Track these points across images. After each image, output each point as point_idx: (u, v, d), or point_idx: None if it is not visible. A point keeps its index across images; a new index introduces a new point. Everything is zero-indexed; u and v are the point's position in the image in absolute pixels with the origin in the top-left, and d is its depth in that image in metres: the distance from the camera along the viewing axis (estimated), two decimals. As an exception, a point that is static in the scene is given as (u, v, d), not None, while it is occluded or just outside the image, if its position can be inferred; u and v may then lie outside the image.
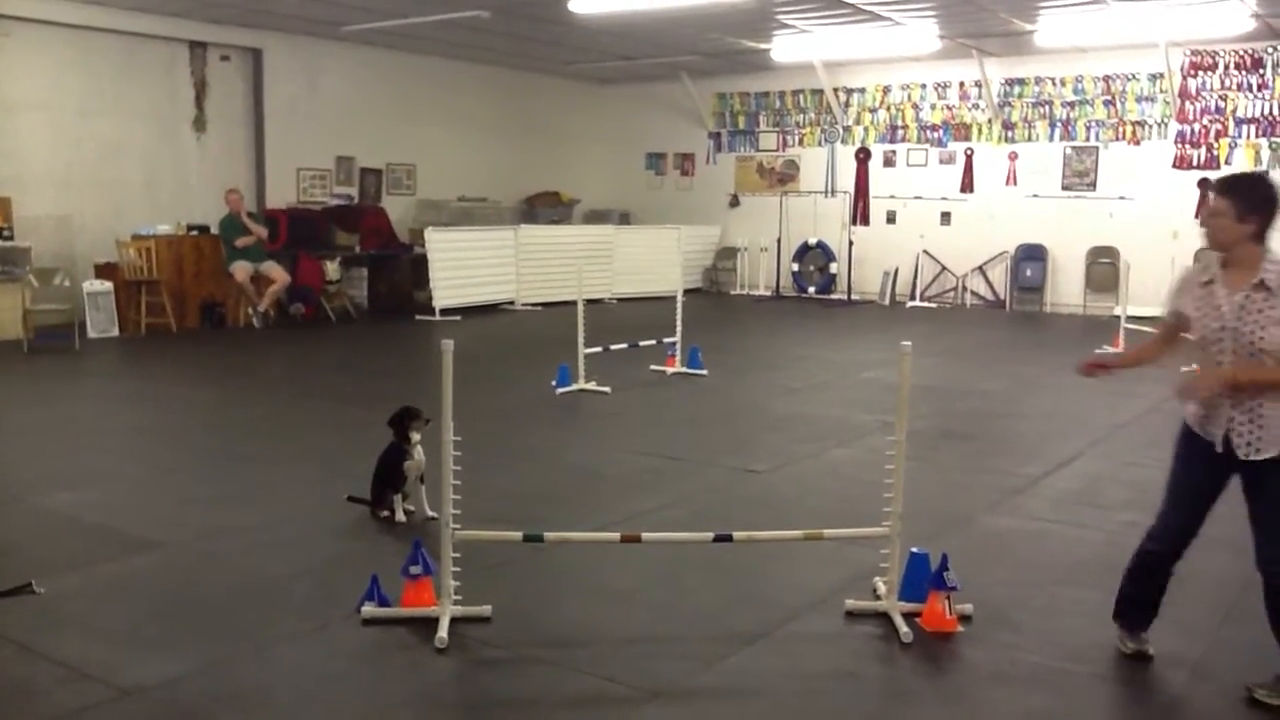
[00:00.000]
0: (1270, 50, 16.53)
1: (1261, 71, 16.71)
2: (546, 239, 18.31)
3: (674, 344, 11.43)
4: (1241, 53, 16.73)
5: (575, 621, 5.00)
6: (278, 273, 15.24)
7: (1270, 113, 16.69)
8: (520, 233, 17.94)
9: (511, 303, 17.50)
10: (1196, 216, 16.99)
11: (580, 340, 10.38)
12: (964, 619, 4.94)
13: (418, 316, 16.32)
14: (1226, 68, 16.95)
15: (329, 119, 17.53)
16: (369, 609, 4.88)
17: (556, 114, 21.45)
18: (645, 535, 5.07)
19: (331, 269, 16.09)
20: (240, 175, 16.62)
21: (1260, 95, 16.75)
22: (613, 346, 11.04)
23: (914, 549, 5.09)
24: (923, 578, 5.00)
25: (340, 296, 16.27)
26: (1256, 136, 16.80)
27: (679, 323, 11.38)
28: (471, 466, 4.90)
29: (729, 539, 5.06)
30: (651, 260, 18.33)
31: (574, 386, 10.33)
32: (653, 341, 11.47)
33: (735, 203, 21.35)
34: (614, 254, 18.58)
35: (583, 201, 21.48)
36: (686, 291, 12.84)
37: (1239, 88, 16.92)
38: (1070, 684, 4.41)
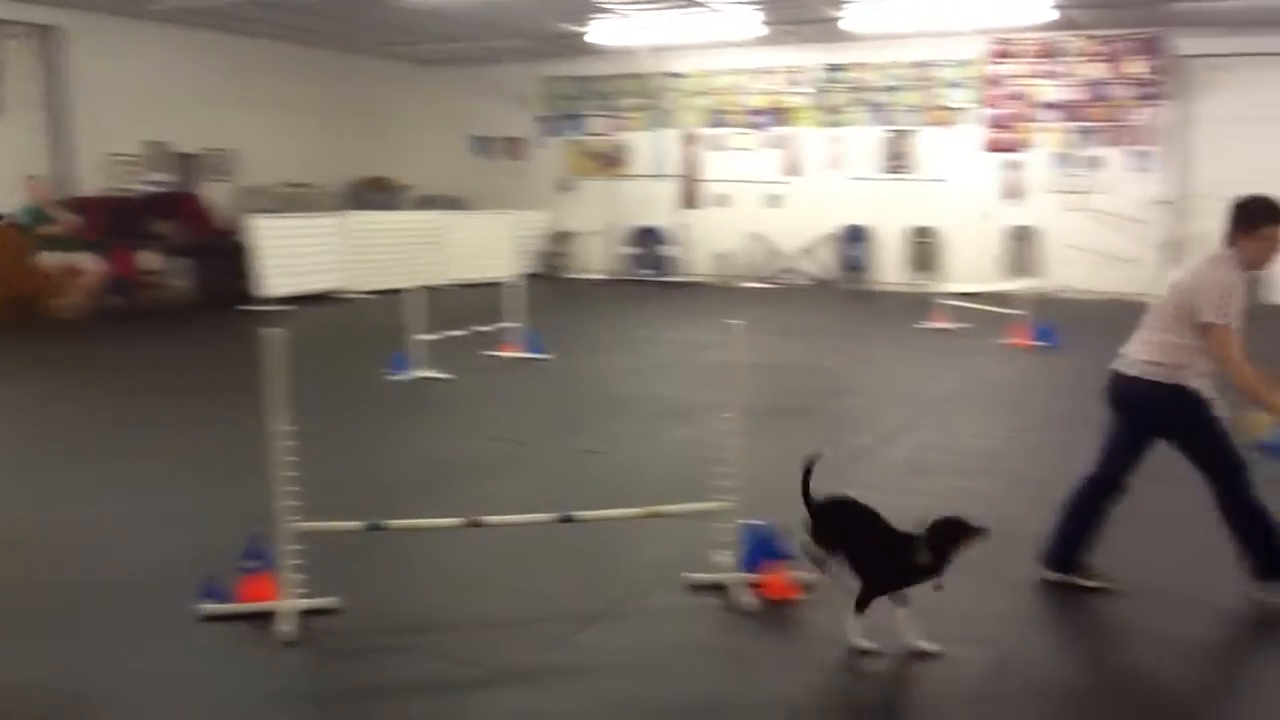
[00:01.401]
0: (1067, 40, 17.48)
1: (1059, 60, 17.65)
2: (376, 225, 17.94)
3: (512, 329, 11.38)
4: (1042, 42, 17.64)
5: (426, 608, 4.95)
6: (91, 264, 14.47)
7: (1068, 98, 17.65)
8: (349, 219, 17.51)
9: (342, 291, 17.09)
10: (1007, 197, 17.89)
11: (416, 326, 10.23)
12: (804, 586, 5.09)
13: (245, 306, 15.76)
14: (1028, 56, 17.83)
15: (141, 102, 16.70)
16: (208, 606, 4.72)
17: (382, 97, 21.01)
18: (488, 519, 5.07)
19: (149, 259, 15.38)
20: (42, 162, 15.70)
21: (1059, 82, 17.69)
22: (451, 333, 10.92)
23: (752, 521, 5.21)
24: (763, 549, 5.13)
25: (160, 287, 15.56)
26: (1057, 121, 17.75)
27: (515, 308, 11.34)
28: (309, 458, 4.78)
29: (571, 520, 5.09)
30: (485, 245, 18.14)
31: (412, 374, 10.18)
32: (491, 327, 11.40)
33: (566, 187, 21.35)
34: (447, 240, 18.32)
35: (413, 187, 21.11)
36: (524, 276, 12.79)
37: (1040, 75, 17.83)
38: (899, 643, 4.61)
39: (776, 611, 4.90)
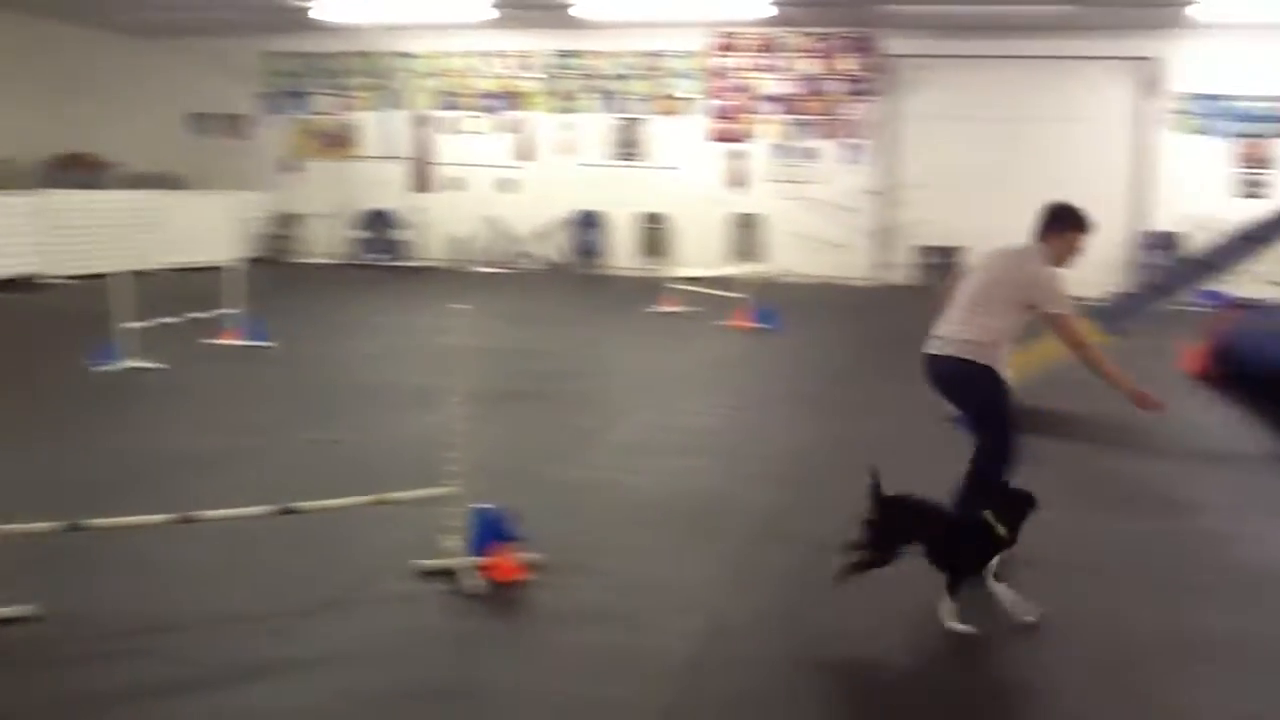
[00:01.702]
0: (785, 35, 18.35)
1: (778, 54, 18.51)
2: (79, 205, 16.65)
3: (232, 316, 10.87)
4: (761, 36, 18.44)
5: (139, 610, 4.68)
6: None
7: (787, 91, 18.54)
8: (45, 198, 16.18)
9: (40, 276, 15.78)
10: (732, 185, 18.62)
11: (124, 313, 9.59)
12: (532, 567, 5.16)
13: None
14: (749, 49, 18.61)
15: None
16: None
17: (92, 69, 19.46)
18: (201, 514, 4.83)
19: None
20: None
21: (778, 76, 18.56)
22: (165, 320, 10.29)
23: (481, 505, 5.22)
24: (491, 532, 5.15)
25: None
26: (777, 112, 18.62)
27: (236, 294, 10.83)
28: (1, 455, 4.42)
29: (291, 511, 4.94)
30: (204, 227, 17.25)
31: (120, 364, 9.54)
32: (209, 313, 10.84)
33: (292, 167, 20.54)
34: (162, 221, 17.25)
35: (122, 165, 19.71)
36: (245, 260, 12.23)
37: (760, 68, 18.65)
38: (627, 615, 4.76)
39: (504, 593, 4.93)
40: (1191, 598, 5.22)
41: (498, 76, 19.58)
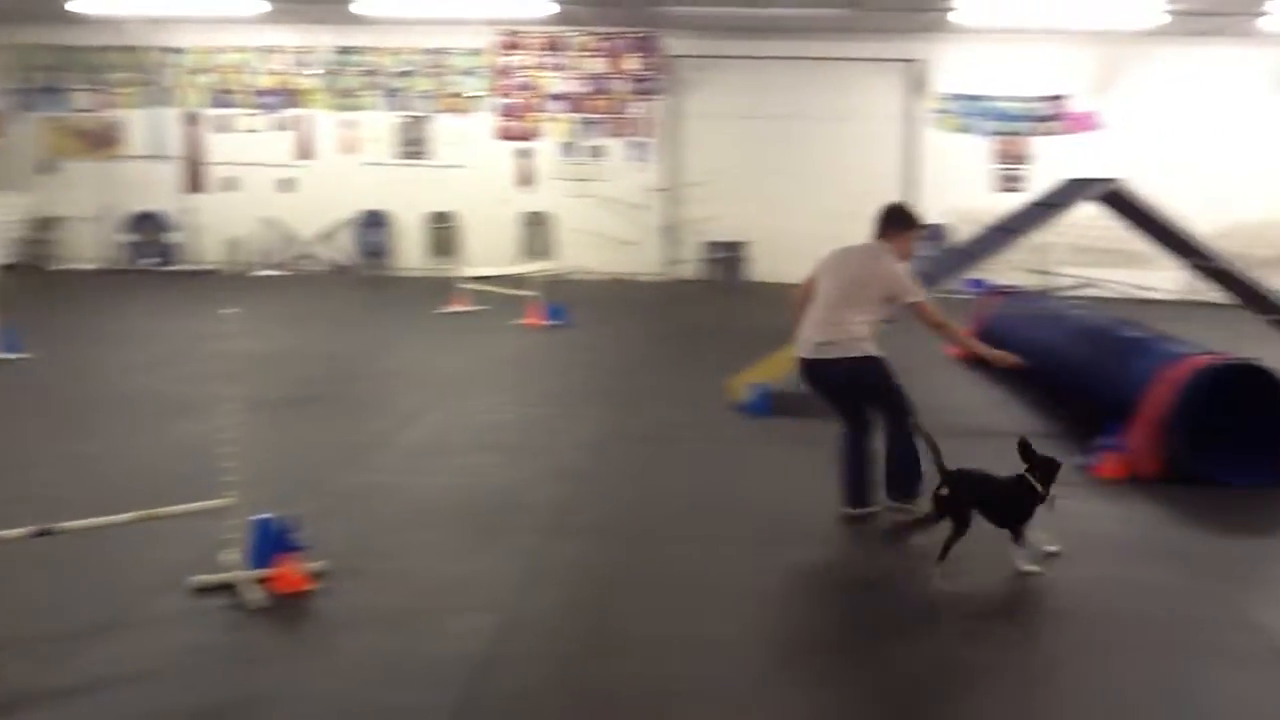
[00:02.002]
0: (570, 34, 18.41)
1: (564, 53, 18.56)
2: None
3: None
4: (547, 35, 18.44)
5: None
6: None
7: (573, 90, 18.61)
8: None
9: None
10: (520, 183, 18.57)
11: None
12: (316, 576, 4.99)
13: None
14: (535, 48, 18.58)
15: None
16: None
17: None
18: (-52, 540, 4.45)
19: None
20: None
21: (564, 75, 18.61)
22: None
23: (261, 515, 5.01)
24: (272, 543, 4.95)
25: None
26: (564, 111, 18.66)
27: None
28: None
29: (49, 532, 4.62)
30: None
31: None
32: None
33: (50, 168, 19.20)
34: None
35: None
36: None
37: (546, 67, 18.65)
38: (416, 618, 4.67)
39: (288, 605, 4.76)
40: (955, 563, 5.52)
41: (274, 73, 18.86)
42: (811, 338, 6.01)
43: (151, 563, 5.17)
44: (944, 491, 5.27)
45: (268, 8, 16.28)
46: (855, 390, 6.07)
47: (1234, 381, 7.04)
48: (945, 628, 4.76)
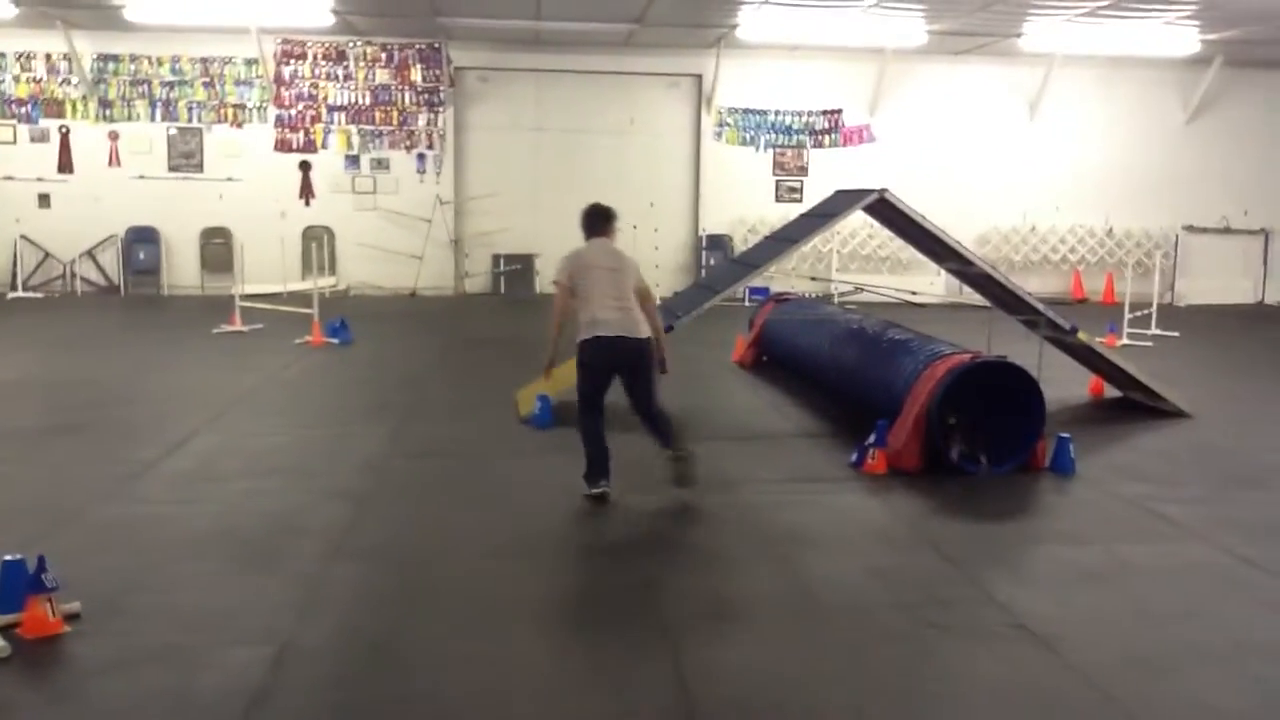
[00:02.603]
0: (352, 44, 18.02)
1: (346, 64, 18.15)
2: None
3: None
4: (328, 45, 17.99)
5: None
6: None
7: (356, 101, 18.22)
8: None
9: None
10: (301, 197, 18.06)
11: None
12: (72, 617, 4.71)
13: None
14: (316, 58, 18.10)
15: None
16: None
17: None
18: None
19: None
20: None
21: (347, 85, 18.20)
22: None
23: (7, 556, 4.69)
24: (20, 584, 4.64)
25: None
26: (347, 123, 18.24)
27: None
28: None
29: None
30: None
31: None
32: None
33: None
34: None
35: None
36: None
37: (328, 78, 18.19)
38: (185, 654, 4.45)
39: (40, 650, 4.46)
40: (725, 563, 5.70)
41: (27, 80, 17.70)
42: (610, 319, 6.62)
43: (-120, 613, 4.74)
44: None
45: (12, 10, 15.23)
46: (634, 365, 6.72)
47: (988, 378, 7.52)
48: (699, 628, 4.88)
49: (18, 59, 17.59)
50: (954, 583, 5.47)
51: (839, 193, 10.13)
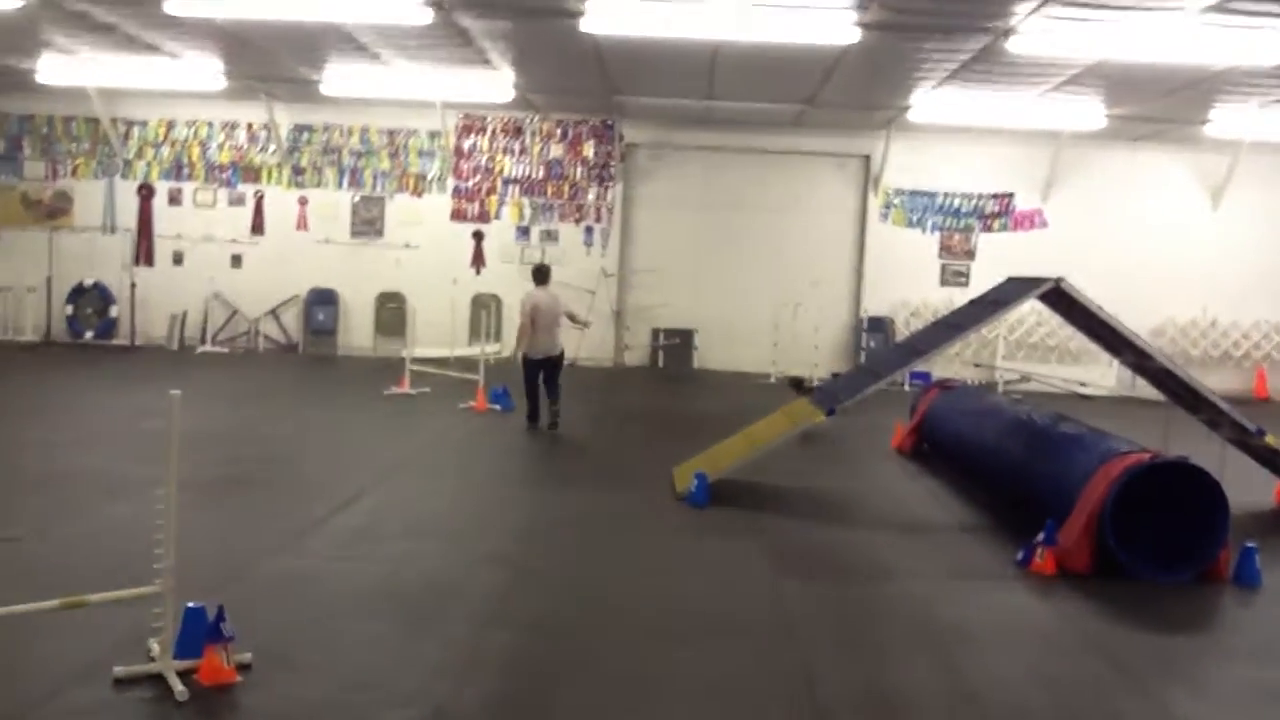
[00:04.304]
0: (529, 120, 18.67)
1: (522, 138, 18.79)
2: None
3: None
4: (506, 120, 18.68)
5: None
6: None
7: (529, 174, 18.81)
8: None
9: None
10: (473, 265, 18.66)
11: None
12: (243, 667, 4.88)
13: None
14: (494, 132, 18.80)
15: None
16: None
17: None
18: None
19: None
20: None
21: (522, 159, 18.82)
22: None
23: (189, 604, 4.92)
24: (199, 632, 4.85)
25: None
26: (520, 195, 18.83)
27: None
28: None
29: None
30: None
31: None
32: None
33: (-4, 237, 19.01)
34: None
35: None
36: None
37: (504, 151, 18.86)
38: (345, 712, 4.57)
39: (212, 698, 4.64)
40: (883, 655, 5.52)
41: (229, 147, 18.90)
42: (547, 344, 11.60)
43: (69, 653, 5.01)
44: None
45: (223, 83, 16.34)
46: (555, 370, 11.59)
47: (1167, 479, 7.17)
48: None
49: (223, 128, 18.81)
50: (1127, 694, 5.19)
51: (1011, 280, 9.89)
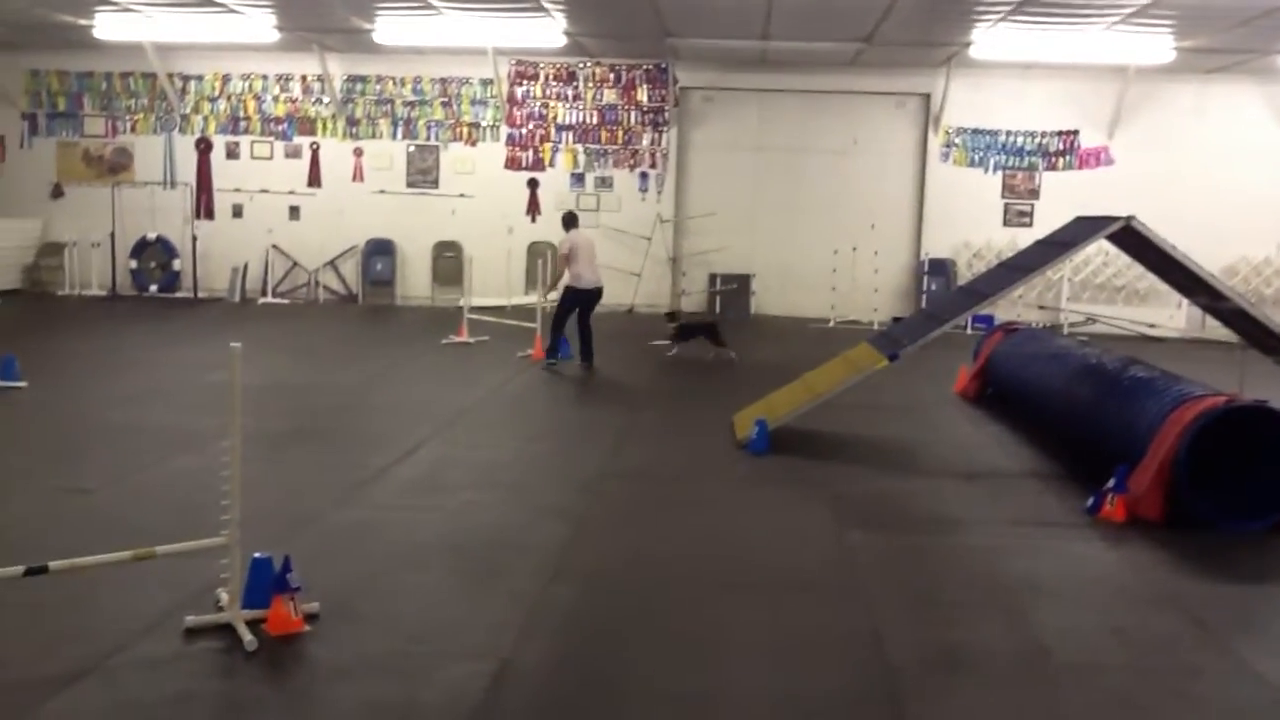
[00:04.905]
0: (581, 65, 18.47)
1: (575, 84, 18.61)
2: None
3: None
4: (559, 66, 18.50)
5: None
6: None
7: (583, 121, 18.65)
8: None
9: None
10: (528, 214, 18.60)
11: None
12: (310, 618, 4.92)
13: None
14: (547, 78, 18.63)
15: None
16: None
17: None
18: (-67, 579, 4.39)
19: None
20: None
21: (575, 105, 18.65)
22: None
23: (256, 554, 4.96)
24: (266, 582, 4.89)
25: None
26: (574, 142, 18.69)
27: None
28: None
29: (44, 570, 4.55)
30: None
31: None
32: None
33: (59, 193, 19.29)
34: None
35: None
36: (2, 293, 11.35)
37: (558, 97, 18.70)
38: (410, 665, 4.58)
39: (280, 648, 4.68)
40: (952, 609, 5.44)
41: (284, 100, 18.94)
42: (592, 276, 12.23)
43: (140, 604, 5.09)
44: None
45: (275, 36, 16.33)
46: (594, 304, 12.34)
47: (1242, 423, 6.97)
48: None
49: (277, 80, 18.84)
50: (1203, 648, 5.07)
51: (1079, 219, 9.63)
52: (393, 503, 6.97)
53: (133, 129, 19.18)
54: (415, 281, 18.89)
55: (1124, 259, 14.88)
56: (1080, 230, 9.22)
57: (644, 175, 18.59)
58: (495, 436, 9.03)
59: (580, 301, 12.14)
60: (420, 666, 4.58)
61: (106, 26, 16.12)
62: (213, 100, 19.00)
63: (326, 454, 8.22)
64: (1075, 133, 18.03)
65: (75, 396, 10.11)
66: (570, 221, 12.63)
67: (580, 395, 11.03)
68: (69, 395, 10.13)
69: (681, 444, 8.86)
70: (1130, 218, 8.46)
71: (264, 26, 15.91)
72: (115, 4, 14.89)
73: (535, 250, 18.18)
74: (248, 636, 4.67)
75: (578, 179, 18.70)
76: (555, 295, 12.78)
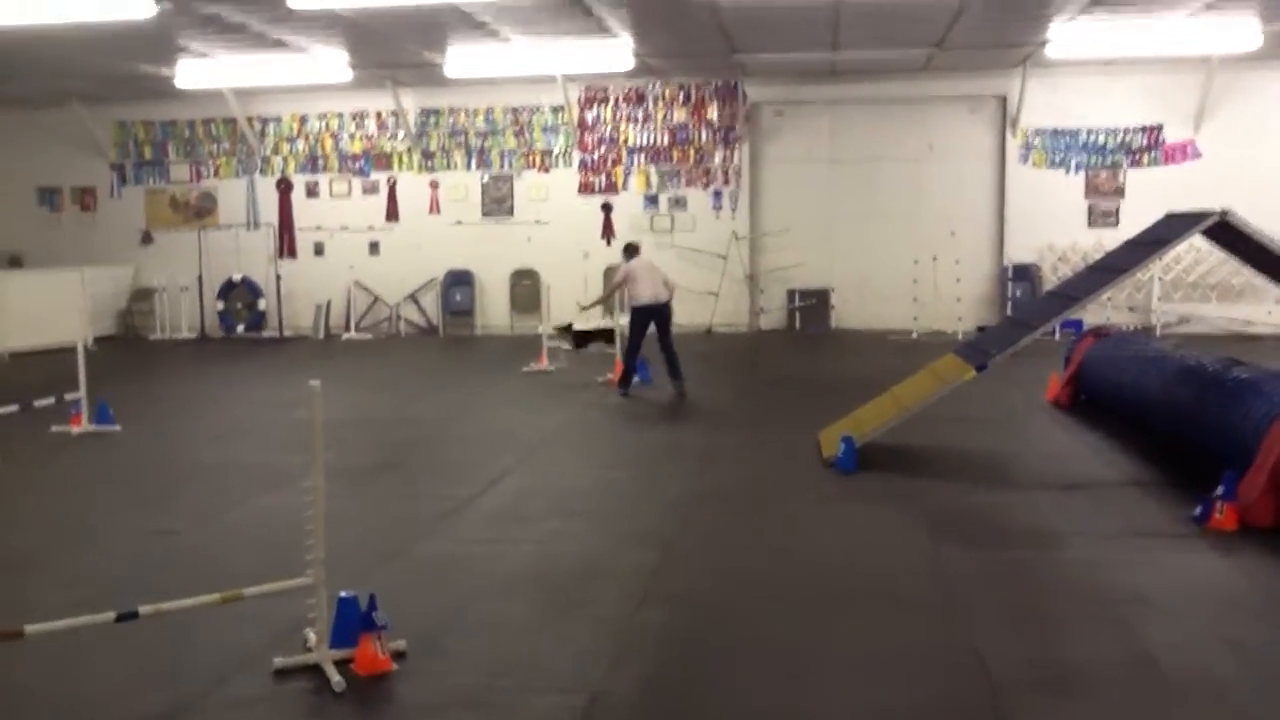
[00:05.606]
0: (651, 86, 18.46)
1: (645, 105, 18.60)
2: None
3: (78, 400, 10.27)
4: (629, 88, 18.52)
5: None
6: None
7: (654, 141, 18.63)
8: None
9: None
10: (603, 238, 18.61)
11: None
12: (398, 655, 4.88)
13: None
14: (617, 101, 18.66)
15: None
16: None
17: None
18: (29, 628, 4.43)
19: None
20: None
21: (646, 127, 18.65)
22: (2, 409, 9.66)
23: (342, 593, 4.93)
24: (353, 621, 4.86)
25: None
26: (646, 163, 18.68)
27: (82, 375, 10.24)
28: None
29: (134, 616, 4.57)
30: (51, 307, 16.44)
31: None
32: (52, 399, 10.18)
33: (148, 239, 19.81)
34: (2, 302, 16.39)
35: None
36: (98, 339, 11.64)
37: (628, 120, 18.71)
38: (499, 699, 4.51)
39: (368, 687, 4.65)
40: (1055, 624, 5.21)
41: (360, 137, 19.24)
42: (652, 292, 11.77)
43: (230, 645, 5.10)
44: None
45: (349, 75, 16.58)
46: (666, 325, 11.87)
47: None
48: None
49: (353, 118, 19.16)
50: (1327, 662, 4.78)
51: (1170, 216, 9.28)
52: (477, 535, 6.93)
53: (216, 173, 19.65)
54: (494, 310, 19.00)
55: (1216, 255, 14.38)
56: (1172, 227, 8.89)
57: (717, 193, 18.50)
58: (577, 463, 8.97)
59: (645, 320, 11.74)
60: (509, 701, 4.51)
61: (187, 75, 16.53)
62: (291, 141, 19.39)
63: (409, 487, 8.23)
64: (1159, 128, 17.51)
65: (165, 438, 10.29)
66: (631, 252, 12.39)
67: (661, 418, 10.93)
68: (159, 437, 10.32)
69: (766, 464, 8.71)
70: (1225, 211, 8.13)
71: (338, 65, 16.17)
72: (194, 52, 15.24)
73: (612, 274, 18.14)
74: (335, 678, 4.64)
75: (651, 200, 18.66)
76: (595, 311, 14.28)
